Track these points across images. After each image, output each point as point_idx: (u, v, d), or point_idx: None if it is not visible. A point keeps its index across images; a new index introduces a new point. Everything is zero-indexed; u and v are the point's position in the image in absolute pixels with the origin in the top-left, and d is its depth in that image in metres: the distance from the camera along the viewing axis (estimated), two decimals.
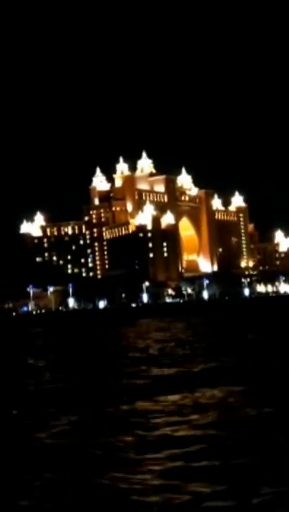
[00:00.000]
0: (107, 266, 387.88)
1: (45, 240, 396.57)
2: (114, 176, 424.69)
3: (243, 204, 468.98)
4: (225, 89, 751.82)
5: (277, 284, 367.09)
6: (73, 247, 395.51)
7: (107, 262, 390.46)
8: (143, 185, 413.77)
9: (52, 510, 15.52)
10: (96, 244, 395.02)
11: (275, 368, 41.27)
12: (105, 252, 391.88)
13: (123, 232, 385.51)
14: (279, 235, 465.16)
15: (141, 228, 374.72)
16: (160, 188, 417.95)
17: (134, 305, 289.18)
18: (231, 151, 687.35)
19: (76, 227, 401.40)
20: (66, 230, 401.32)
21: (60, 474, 18.42)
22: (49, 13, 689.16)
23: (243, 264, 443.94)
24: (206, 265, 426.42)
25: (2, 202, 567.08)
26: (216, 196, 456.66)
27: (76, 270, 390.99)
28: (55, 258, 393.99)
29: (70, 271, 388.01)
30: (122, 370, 47.44)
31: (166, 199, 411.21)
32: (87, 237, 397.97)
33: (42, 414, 28.90)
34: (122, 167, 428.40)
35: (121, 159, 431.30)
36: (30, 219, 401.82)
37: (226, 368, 44.28)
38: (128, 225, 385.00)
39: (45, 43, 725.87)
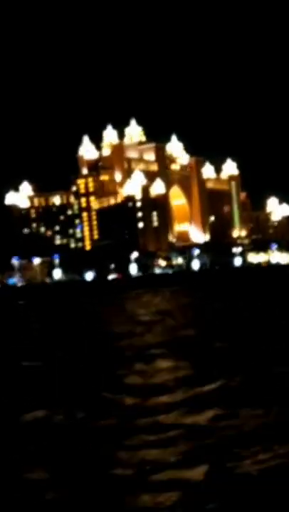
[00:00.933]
0: (96, 237, 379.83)
1: (32, 210, 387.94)
2: (102, 144, 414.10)
3: (235, 171, 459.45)
4: (216, 53, 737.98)
5: (269, 252, 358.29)
6: (61, 218, 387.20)
7: (96, 232, 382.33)
8: (132, 154, 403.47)
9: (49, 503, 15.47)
10: (84, 214, 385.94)
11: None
12: (94, 223, 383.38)
13: (112, 201, 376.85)
14: (272, 203, 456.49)
15: (130, 198, 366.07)
16: (150, 156, 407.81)
17: (110, 277, 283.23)
18: (223, 117, 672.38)
19: (64, 197, 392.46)
20: (54, 200, 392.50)
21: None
22: None
23: (235, 233, 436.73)
24: (197, 235, 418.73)
25: None
26: (207, 164, 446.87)
27: (65, 241, 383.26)
28: (42, 229, 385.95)
29: (58, 242, 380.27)
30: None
31: (156, 168, 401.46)
32: (75, 207, 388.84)
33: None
34: (110, 135, 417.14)
35: (109, 127, 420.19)
36: (17, 189, 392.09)
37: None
38: (117, 195, 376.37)
39: (32, 11, 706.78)
